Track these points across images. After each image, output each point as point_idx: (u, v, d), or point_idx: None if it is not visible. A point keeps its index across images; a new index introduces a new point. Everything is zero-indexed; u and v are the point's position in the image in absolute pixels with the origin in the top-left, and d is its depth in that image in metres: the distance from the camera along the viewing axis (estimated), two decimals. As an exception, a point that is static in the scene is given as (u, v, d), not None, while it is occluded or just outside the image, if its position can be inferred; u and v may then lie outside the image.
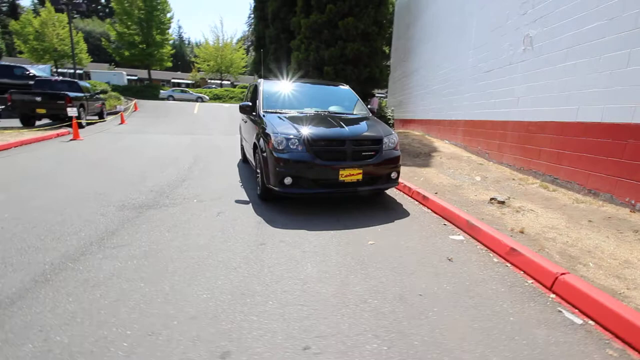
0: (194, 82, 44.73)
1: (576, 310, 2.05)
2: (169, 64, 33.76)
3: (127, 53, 29.78)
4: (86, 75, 33.73)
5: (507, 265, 2.64)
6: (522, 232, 3.23)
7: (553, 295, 2.21)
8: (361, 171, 3.74)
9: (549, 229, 3.28)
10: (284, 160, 3.66)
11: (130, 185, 4.82)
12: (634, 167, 3.49)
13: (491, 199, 4.19)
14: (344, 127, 3.94)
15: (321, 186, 3.72)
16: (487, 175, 5.50)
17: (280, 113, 4.44)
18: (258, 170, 4.34)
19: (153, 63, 31.90)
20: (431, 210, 4.02)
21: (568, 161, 4.43)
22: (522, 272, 2.51)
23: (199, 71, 41.39)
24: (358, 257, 2.75)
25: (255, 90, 5.29)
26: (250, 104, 4.70)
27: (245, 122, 5.48)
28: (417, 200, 4.39)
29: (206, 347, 1.68)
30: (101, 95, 14.46)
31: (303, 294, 2.19)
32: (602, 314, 1.90)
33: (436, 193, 4.51)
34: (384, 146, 3.93)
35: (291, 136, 3.73)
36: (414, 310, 2.03)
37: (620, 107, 3.65)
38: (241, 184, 5.13)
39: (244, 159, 6.74)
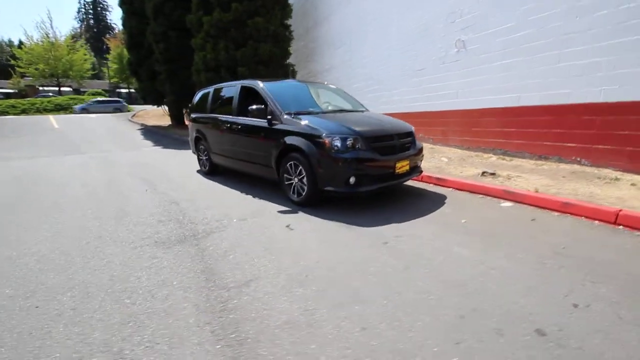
0: (16, 90, 34.49)
1: (642, 232, 2.92)
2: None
3: None
4: None
5: (567, 216, 3.42)
6: (537, 191, 4.15)
7: (621, 226, 3.05)
8: (408, 162, 4.02)
9: (547, 187, 4.29)
10: (347, 160, 3.59)
11: (119, 220, 3.75)
12: (574, 134, 4.91)
13: (483, 172, 5.09)
14: (384, 123, 4.11)
15: (381, 181, 3.81)
16: (448, 155, 6.55)
17: (302, 114, 4.24)
18: (289, 177, 4.08)
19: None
20: (454, 188, 4.62)
21: (515, 136, 5.79)
22: (583, 217, 3.31)
23: (23, 77, 32.27)
24: (478, 234, 3.04)
25: (250, 93, 4.81)
26: (263, 107, 4.29)
27: (237, 128, 4.91)
28: (431, 183, 4.94)
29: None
30: None
31: (503, 276, 2.37)
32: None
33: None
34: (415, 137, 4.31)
35: (346, 135, 3.68)
36: (588, 264, 2.51)
37: (557, 93, 5.04)
38: (251, 195, 4.63)
39: (211, 170, 6.01)
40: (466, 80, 6.61)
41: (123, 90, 40.34)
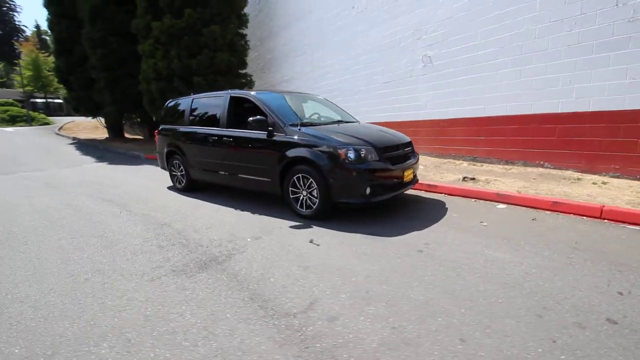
0: None
1: (624, 223, 3.38)
2: None
3: None
4: None
5: (558, 214, 3.83)
6: (519, 192, 4.58)
7: (606, 220, 3.50)
8: (412, 170, 4.17)
9: (525, 188, 4.77)
10: (364, 171, 3.60)
11: (109, 249, 3.28)
12: (537, 140, 5.55)
13: (464, 177, 5.48)
14: (387, 133, 4.22)
15: (392, 190, 3.88)
16: (423, 163, 6.92)
17: (306, 125, 4.15)
18: (295, 190, 3.97)
19: None
20: (445, 194, 4.89)
21: (483, 144, 6.35)
22: (572, 214, 3.73)
23: None
24: (496, 236, 3.24)
25: (240, 103, 4.58)
26: (264, 118, 4.10)
27: (227, 141, 4.61)
28: (422, 190, 5.17)
29: None
30: None
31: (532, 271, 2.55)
32: None
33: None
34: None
35: (359, 146, 3.69)
36: (600, 249, 2.82)
37: (521, 104, 5.67)
38: (249, 212, 4.37)
39: (187, 187, 5.58)
40: (434, 92, 7.10)
41: (39, 100, 35.40)
